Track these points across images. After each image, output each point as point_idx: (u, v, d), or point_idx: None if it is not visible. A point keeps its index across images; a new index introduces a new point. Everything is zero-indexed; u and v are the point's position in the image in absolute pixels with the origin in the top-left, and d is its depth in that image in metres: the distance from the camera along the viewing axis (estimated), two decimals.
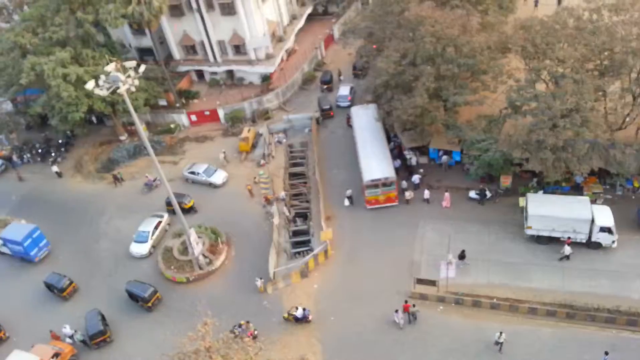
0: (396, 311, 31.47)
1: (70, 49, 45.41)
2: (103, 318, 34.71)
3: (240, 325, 32.42)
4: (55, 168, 49.94)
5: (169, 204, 41.37)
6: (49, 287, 37.94)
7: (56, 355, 32.47)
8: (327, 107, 52.26)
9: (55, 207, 46.29)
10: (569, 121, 32.68)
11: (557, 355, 29.54)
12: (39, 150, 52.83)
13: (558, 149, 33.48)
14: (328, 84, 55.94)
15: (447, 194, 39.00)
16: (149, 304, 35.71)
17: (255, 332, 32.15)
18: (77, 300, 37.75)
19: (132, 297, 36.44)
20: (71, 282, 37.84)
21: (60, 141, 53.43)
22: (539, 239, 35.13)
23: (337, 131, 50.06)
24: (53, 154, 52.27)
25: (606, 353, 28.39)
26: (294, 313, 33.36)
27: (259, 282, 35.57)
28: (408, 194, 39.86)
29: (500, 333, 29.26)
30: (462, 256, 34.32)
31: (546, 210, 34.18)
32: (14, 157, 52.39)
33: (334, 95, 53.87)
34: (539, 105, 33.89)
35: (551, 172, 34.28)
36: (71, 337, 34.10)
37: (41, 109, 46.96)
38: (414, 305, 32.28)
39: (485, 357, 29.85)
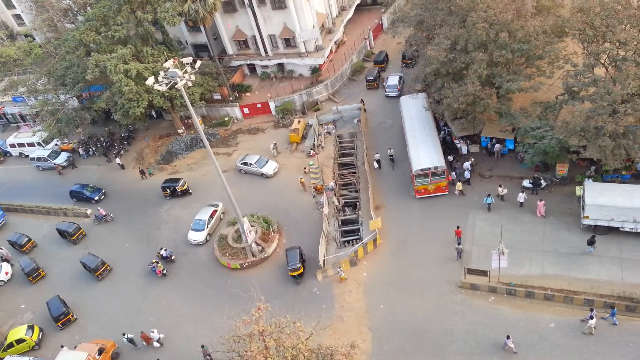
0: (508, 337, 29.28)
1: (131, 46, 47.74)
2: (64, 302, 38.06)
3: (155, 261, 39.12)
4: (118, 160, 52.84)
5: (163, 189, 47.22)
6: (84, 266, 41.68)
7: (100, 350, 34.22)
8: (371, 78, 53.18)
9: (118, 197, 49.27)
10: (630, 106, 31.22)
11: (616, 349, 28.51)
12: (103, 144, 56.01)
13: (618, 135, 32.08)
14: (381, 64, 56.04)
15: (540, 203, 35.99)
16: (97, 274, 40.64)
17: (164, 271, 39.33)
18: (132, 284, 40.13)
19: (85, 267, 41.09)
20: (104, 263, 41.48)
21: (122, 135, 56.40)
22: (596, 229, 33.90)
23: (386, 121, 49.98)
24: (116, 147, 55.30)
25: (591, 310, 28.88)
26: (161, 252, 40.17)
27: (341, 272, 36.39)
28: (458, 186, 39.18)
29: (508, 337, 28.25)
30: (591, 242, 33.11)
31: (604, 200, 32.90)
32: (80, 150, 55.83)
33: (385, 74, 55.20)
34: (598, 90, 32.51)
35: (610, 159, 32.86)
36: (158, 340, 35.11)
37: (105, 105, 49.68)
38: (459, 244, 34.96)
39: (539, 349, 29.24)
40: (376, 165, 44.70)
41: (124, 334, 35.53)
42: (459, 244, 35.62)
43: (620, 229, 33.21)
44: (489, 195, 37.26)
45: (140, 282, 40.32)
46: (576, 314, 30.36)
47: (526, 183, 38.52)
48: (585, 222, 33.94)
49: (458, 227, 35.80)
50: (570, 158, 36.18)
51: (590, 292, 30.95)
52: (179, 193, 47.02)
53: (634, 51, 33.35)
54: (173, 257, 41.13)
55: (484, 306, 32.36)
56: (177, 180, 47.79)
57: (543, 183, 38.03)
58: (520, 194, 36.84)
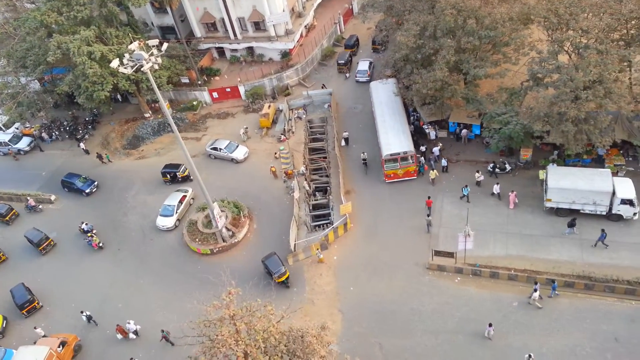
0: (490, 325, 29.85)
1: (95, 27, 46.31)
2: (29, 290, 37.50)
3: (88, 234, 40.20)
4: (82, 145, 51.49)
5: (163, 174, 45.79)
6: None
7: (62, 344, 33.32)
8: (342, 61, 53.33)
9: None
10: (591, 93, 32.23)
11: (575, 325, 29.83)
12: (67, 128, 54.45)
13: (580, 121, 33.14)
14: (352, 48, 56.06)
15: (512, 194, 36.20)
16: (41, 248, 40.98)
17: (101, 244, 40.37)
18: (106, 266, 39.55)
19: (29, 242, 41.24)
20: (48, 238, 41.68)
21: (87, 119, 54.92)
22: (558, 212, 35.12)
23: (356, 107, 50.18)
24: (80, 132, 53.83)
25: (535, 283, 31.03)
26: (82, 227, 41.39)
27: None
28: (432, 174, 39.55)
29: (530, 356, 27.99)
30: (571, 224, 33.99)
31: (566, 183, 34.05)
32: (43, 135, 54.14)
33: (356, 59, 55.24)
34: (561, 77, 33.43)
35: (572, 144, 33.98)
36: (134, 331, 34.33)
37: (68, 88, 48.17)
38: (428, 216, 35.93)
39: (503, 327, 30.31)
40: (343, 144, 45.27)
41: (82, 312, 35.25)
42: (428, 215, 36.50)
43: (581, 211, 34.49)
44: (466, 186, 37.62)
45: (90, 260, 40.41)
46: (539, 293, 31.51)
47: (491, 167, 39.46)
48: (548, 204, 35.10)
49: (429, 198, 37.29)
50: (534, 143, 37.20)
51: (552, 272, 32.18)
52: (180, 179, 45.41)
53: (595, 39, 34.36)
54: (94, 232, 41.55)
55: (451, 287, 33.26)
56: (178, 165, 45.76)
57: (508, 167, 39.05)
58: (495, 185, 37.16)
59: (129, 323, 34.24)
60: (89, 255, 40.84)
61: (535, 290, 30.67)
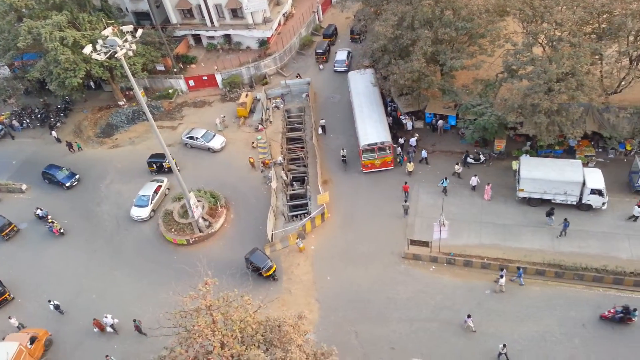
0: (468, 316, 30.13)
1: (67, 12, 45.10)
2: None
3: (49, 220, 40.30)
4: (54, 133, 50.31)
5: (149, 164, 44.91)
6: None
7: (32, 339, 32.56)
8: (321, 51, 53.21)
9: None
10: (564, 85, 32.87)
11: (545, 312, 30.67)
12: (38, 116, 53.09)
13: (552, 112, 33.79)
14: (330, 37, 55.90)
15: (488, 187, 36.75)
16: (4, 234, 40.62)
17: (62, 230, 40.19)
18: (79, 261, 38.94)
19: None
20: (11, 224, 41.30)
21: (58, 106, 53.61)
22: (530, 201, 35.88)
23: (334, 96, 50.15)
24: (52, 119, 52.54)
25: (501, 270, 32.08)
26: (37, 212, 41.22)
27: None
28: (410, 166, 39.76)
29: (504, 345, 28.63)
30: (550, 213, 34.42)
31: (538, 173, 34.77)
32: (14, 122, 52.69)
33: (334, 49, 55.14)
34: (535, 69, 34.01)
35: (545, 135, 34.69)
36: (112, 325, 33.70)
37: (39, 74, 46.95)
38: (405, 201, 36.59)
39: (476, 314, 30.95)
40: (320, 131, 45.44)
41: (49, 301, 34.81)
42: (405, 201, 36.98)
43: (552, 201, 35.31)
44: (445, 179, 37.84)
45: (59, 248, 39.88)
46: (511, 281, 32.29)
47: (468, 158, 40.02)
48: (520, 194, 35.82)
49: (406, 183, 38.02)
50: (508, 134, 37.87)
51: (524, 260, 32.94)
52: (166, 169, 44.25)
53: (569, 32, 34.96)
54: (49, 217, 41.15)
55: (426, 275, 33.78)
56: (164, 155, 43.41)
57: (482, 158, 39.65)
58: (473, 177, 37.49)
59: (106, 317, 33.64)
60: (56, 243, 40.25)
61: (502, 277, 31.51)
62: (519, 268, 32.05)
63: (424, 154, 40.60)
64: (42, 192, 45.10)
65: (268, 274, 34.88)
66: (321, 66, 53.40)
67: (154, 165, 44.85)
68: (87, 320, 34.27)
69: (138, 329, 33.02)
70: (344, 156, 42.24)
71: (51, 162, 46.38)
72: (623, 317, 29.21)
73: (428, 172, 40.07)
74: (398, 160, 40.78)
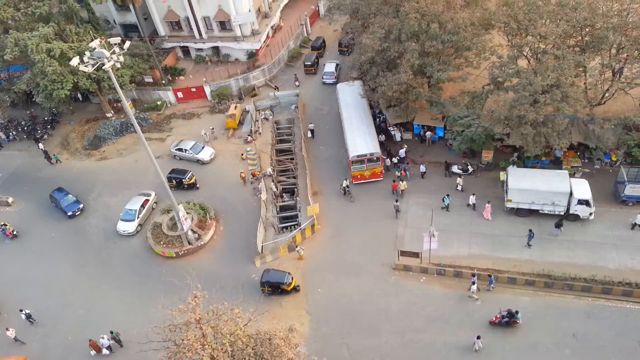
0: (478, 337, 29.62)
1: (54, 24, 44.87)
2: None
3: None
4: (41, 145, 49.78)
5: (169, 179, 42.58)
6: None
7: None
8: (309, 63, 53.68)
9: (42, 185, 46.30)
10: (549, 97, 33.34)
11: (535, 322, 30.79)
12: (25, 128, 52.54)
13: (538, 124, 34.24)
14: (319, 49, 56.24)
15: (488, 205, 36.36)
16: None
17: (15, 232, 40.77)
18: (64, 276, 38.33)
19: None
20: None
21: (45, 118, 53.14)
22: (518, 212, 36.19)
23: (323, 108, 50.38)
24: (39, 132, 52.03)
25: (472, 276, 32.42)
26: None
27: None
28: (402, 185, 39.32)
29: (478, 337, 29.37)
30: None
31: (526, 184, 35.15)
32: (0, 134, 52.08)
33: (323, 61, 55.43)
34: (521, 81, 34.46)
35: (531, 146, 35.10)
36: (108, 347, 32.95)
37: (25, 86, 46.57)
38: (396, 201, 37.16)
39: (467, 325, 31.03)
40: (309, 135, 45.75)
41: (21, 310, 34.42)
42: (397, 200, 37.17)
43: (540, 212, 35.67)
44: (447, 196, 37.59)
45: (49, 261, 39.14)
46: (500, 292, 32.44)
47: (455, 169, 40.33)
48: (509, 205, 36.14)
49: (394, 181, 38.85)
50: (495, 145, 38.28)
51: (513, 271, 33.14)
52: (185, 186, 43.25)
53: (553, 45, 35.61)
54: (2, 221, 41.45)
55: (416, 286, 33.81)
56: (184, 171, 43.66)
57: (470, 169, 40.01)
58: (471, 196, 37.05)
59: (102, 338, 32.84)
60: (44, 255, 39.60)
61: (474, 283, 31.86)
62: (489, 276, 32.36)
63: (422, 168, 40.44)
64: (30, 205, 44.48)
65: (291, 287, 34.38)
66: (297, 83, 53.03)
67: (174, 181, 43.43)
68: (74, 335, 33.62)
69: (115, 339, 32.67)
70: (347, 186, 40.38)
71: (58, 186, 44.52)
72: (509, 321, 30.24)
73: (417, 183, 40.26)
74: (398, 176, 40.21)
